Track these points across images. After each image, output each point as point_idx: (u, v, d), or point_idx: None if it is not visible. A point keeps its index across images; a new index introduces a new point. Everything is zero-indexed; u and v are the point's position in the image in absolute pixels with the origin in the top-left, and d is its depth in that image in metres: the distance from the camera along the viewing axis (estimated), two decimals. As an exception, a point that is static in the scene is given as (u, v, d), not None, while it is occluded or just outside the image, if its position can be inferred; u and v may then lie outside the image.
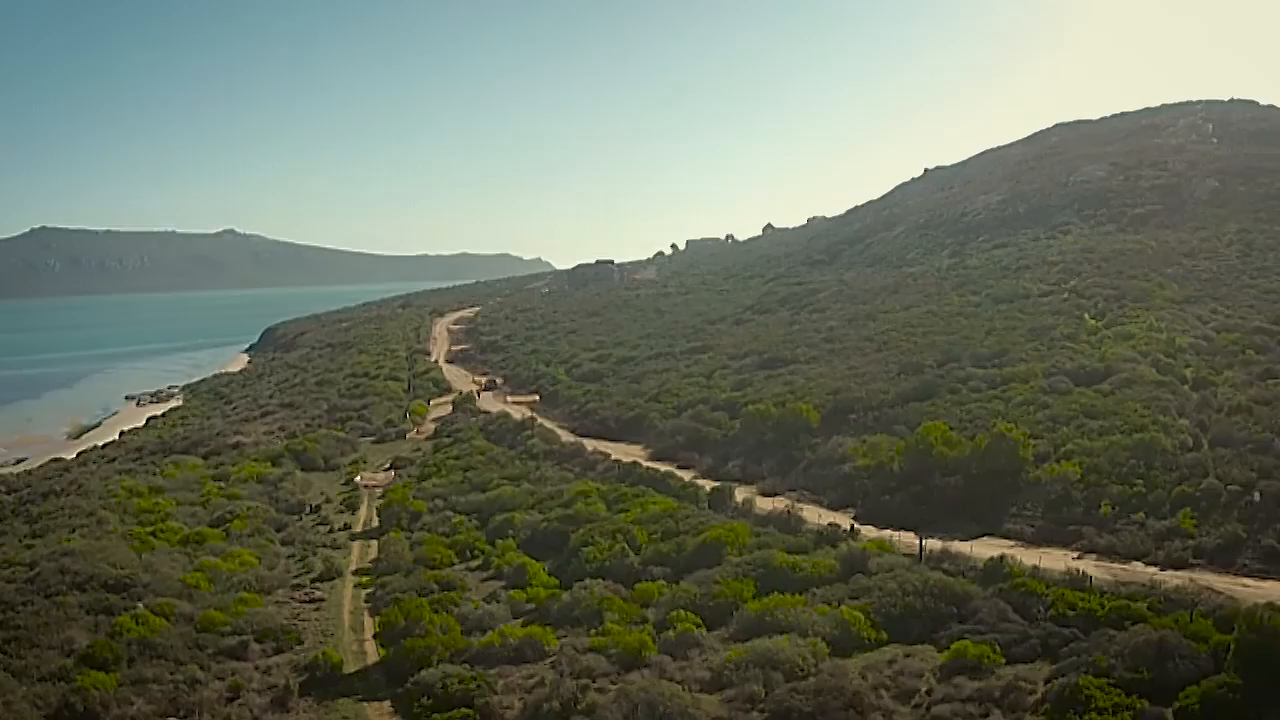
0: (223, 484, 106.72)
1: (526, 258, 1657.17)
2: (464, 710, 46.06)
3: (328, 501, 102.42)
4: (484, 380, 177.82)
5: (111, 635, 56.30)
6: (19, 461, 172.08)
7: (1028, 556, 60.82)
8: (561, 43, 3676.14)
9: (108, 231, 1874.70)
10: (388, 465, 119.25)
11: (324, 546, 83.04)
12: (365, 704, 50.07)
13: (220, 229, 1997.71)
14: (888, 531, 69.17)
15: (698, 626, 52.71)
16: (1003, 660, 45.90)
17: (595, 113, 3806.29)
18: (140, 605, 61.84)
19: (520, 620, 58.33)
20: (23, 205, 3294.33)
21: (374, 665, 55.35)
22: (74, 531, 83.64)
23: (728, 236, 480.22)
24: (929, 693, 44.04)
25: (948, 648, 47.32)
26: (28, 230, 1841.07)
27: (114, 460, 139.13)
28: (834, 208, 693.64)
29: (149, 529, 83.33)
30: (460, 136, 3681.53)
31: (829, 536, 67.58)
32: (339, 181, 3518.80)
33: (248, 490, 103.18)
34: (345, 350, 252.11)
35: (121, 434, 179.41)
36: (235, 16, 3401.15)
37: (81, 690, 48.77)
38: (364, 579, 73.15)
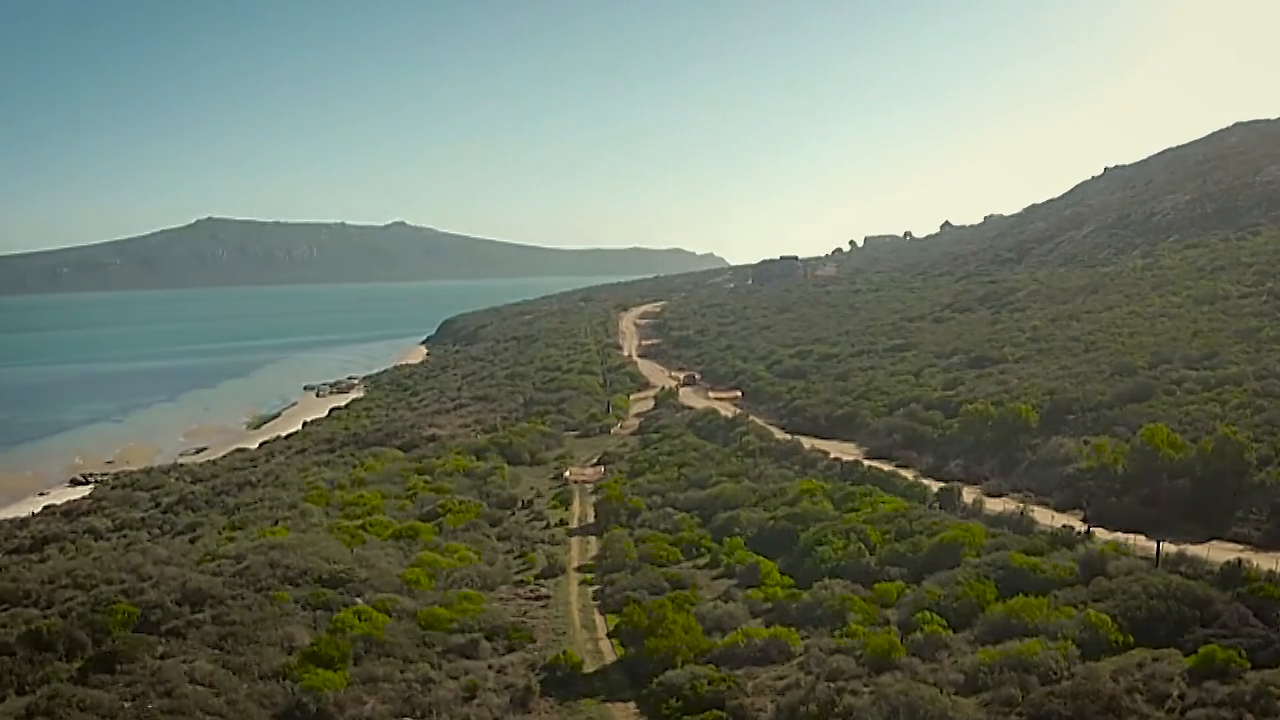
0: (428, 477, 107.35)
1: (699, 253, 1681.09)
2: (715, 712, 45.71)
3: (539, 496, 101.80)
4: (682, 376, 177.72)
5: (333, 632, 55.72)
6: (199, 451, 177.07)
7: (1259, 560, 58.20)
8: (731, 36, 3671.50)
9: (276, 223, 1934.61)
10: (596, 460, 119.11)
11: (542, 542, 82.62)
12: (609, 705, 49.82)
13: (390, 221, 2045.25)
14: (1118, 534, 67.40)
15: (943, 628, 52.11)
16: (1248, 665, 44.15)
17: (769, 109, 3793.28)
18: (359, 601, 61.43)
19: (758, 620, 57.83)
20: (190, 196, 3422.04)
21: (612, 665, 55.09)
22: (276, 524, 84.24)
23: (905, 234, 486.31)
24: (1181, 697, 43.25)
25: (1193, 651, 45.96)
26: (194, 221, 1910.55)
27: (302, 451, 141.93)
28: (1002, 207, 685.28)
29: (356, 522, 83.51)
30: (634, 130, 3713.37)
31: (1063, 538, 65.47)
32: (510, 175, 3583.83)
33: (455, 484, 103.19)
34: (532, 344, 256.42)
35: (305, 424, 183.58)
36: (405, 10, 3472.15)
37: (313, 690, 48.00)
38: (587, 576, 73.02)
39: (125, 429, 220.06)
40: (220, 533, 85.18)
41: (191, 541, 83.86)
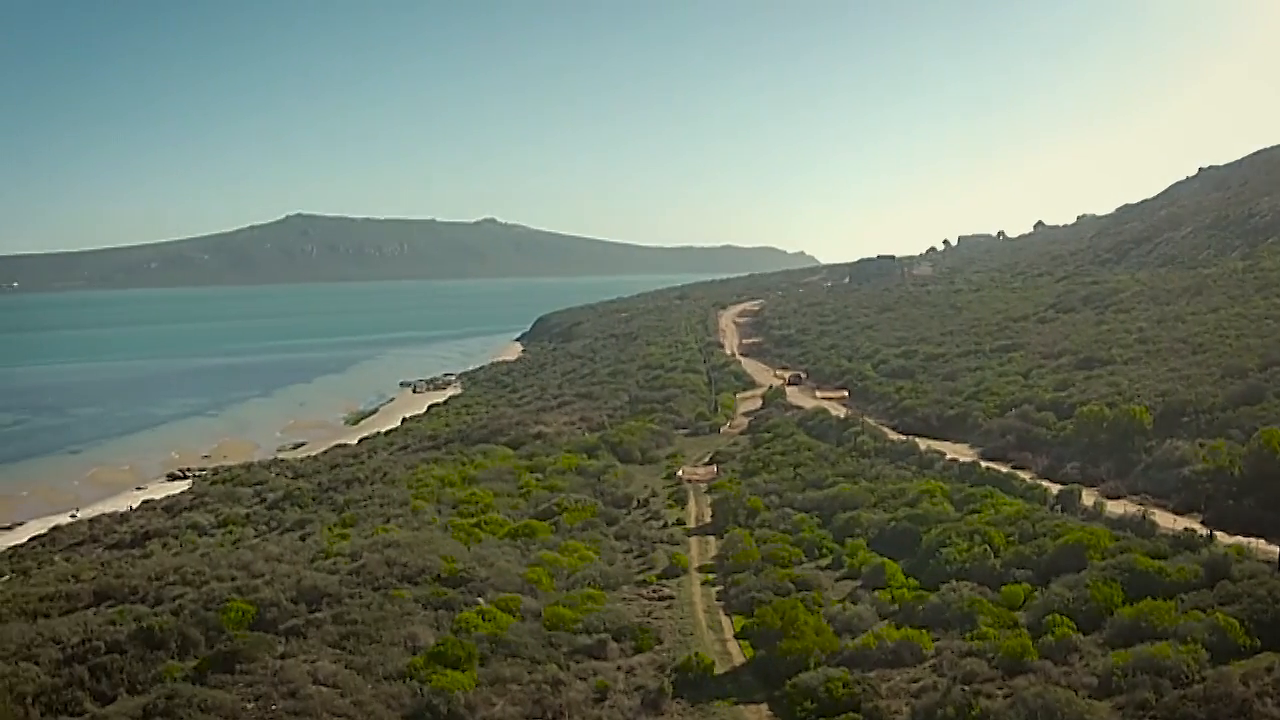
0: (540, 475, 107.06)
1: (789, 251, 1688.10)
2: (851, 715, 45.50)
3: (654, 495, 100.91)
4: (788, 375, 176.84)
5: (456, 632, 55.05)
6: (296, 446, 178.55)
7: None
8: (819, 31, 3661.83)
9: (366, 219, 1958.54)
10: (707, 459, 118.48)
11: (661, 542, 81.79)
12: (741, 707, 49.39)
13: (480, 218, 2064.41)
14: (1238, 537, 66.34)
15: (1072, 631, 51.68)
16: (1381, 672, 43.95)
17: (859, 104, 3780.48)
18: (480, 600, 60.88)
19: (885, 622, 57.49)
20: (279, 192, 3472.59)
21: (742, 667, 54.67)
22: (388, 521, 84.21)
23: (999, 233, 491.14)
24: (1312, 702, 42.87)
25: (1323, 657, 45.31)
26: (284, 217, 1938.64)
27: (405, 448, 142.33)
28: (1092, 207, 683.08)
29: (471, 521, 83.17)
30: (726, 126, 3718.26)
31: (1185, 542, 64.49)
32: (600, 171, 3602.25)
33: (568, 482, 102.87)
34: (631, 341, 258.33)
35: (404, 421, 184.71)
36: (496, 6, 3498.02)
37: (443, 691, 47.26)
38: (709, 576, 72.51)
39: (220, 423, 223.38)
40: (331, 530, 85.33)
41: (302, 539, 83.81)
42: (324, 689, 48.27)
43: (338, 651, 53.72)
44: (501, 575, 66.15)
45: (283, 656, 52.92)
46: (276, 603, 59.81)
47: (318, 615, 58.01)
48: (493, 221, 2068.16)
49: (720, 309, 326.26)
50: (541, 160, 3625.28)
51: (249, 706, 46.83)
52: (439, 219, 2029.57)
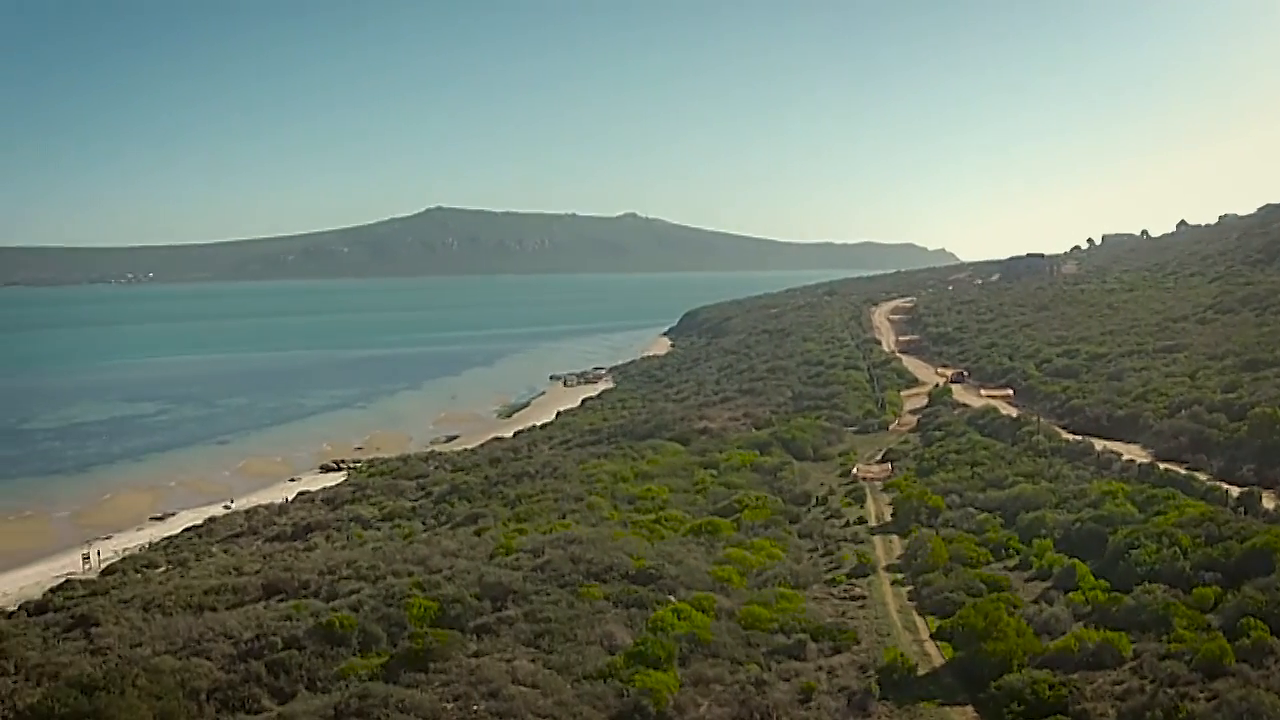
0: (714, 471, 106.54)
1: (930, 248, 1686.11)
2: (1058, 718, 45.46)
3: (831, 493, 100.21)
4: (950, 373, 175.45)
5: (653, 631, 54.43)
6: (450, 439, 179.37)
7: None
8: (953, 28, 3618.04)
9: (507, 212, 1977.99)
10: (880, 456, 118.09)
11: (846, 540, 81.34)
12: (947, 708, 49.37)
13: (621, 212, 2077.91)
14: None
15: (1267, 634, 51.16)
16: None
17: (997, 102, 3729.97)
18: (672, 599, 60.37)
19: (1080, 623, 57.37)
20: (420, 185, 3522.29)
21: (942, 668, 54.61)
22: (564, 517, 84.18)
23: (1142, 232, 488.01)
24: None
25: None
26: (424, 209, 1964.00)
27: (566, 442, 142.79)
28: (1234, 206, 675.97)
29: (649, 517, 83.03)
30: (865, 123, 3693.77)
31: None
32: (740, 167, 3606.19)
33: (743, 479, 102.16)
34: (786, 337, 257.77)
35: (558, 414, 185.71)
36: (636, 5, 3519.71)
37: (651, 692, 46.70)
38: (897, 575, 72.19)
39: (370, 415, 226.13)
40: (505, 525, 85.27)
41: (477, 534, 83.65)
42: (524, 689, 47.63)
43: (533, 650, 53.24)
44: (691, 573, 65.64)
45: (476, 655, 52.42)
46: (460, 599, 59.52)
47: (508, 613, 57.61)
48: (633, 216, 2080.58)
49: (872, 306, 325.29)
50: (682, 155, 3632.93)
51: (448, 707, 46.15)
52: (580, 213, 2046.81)
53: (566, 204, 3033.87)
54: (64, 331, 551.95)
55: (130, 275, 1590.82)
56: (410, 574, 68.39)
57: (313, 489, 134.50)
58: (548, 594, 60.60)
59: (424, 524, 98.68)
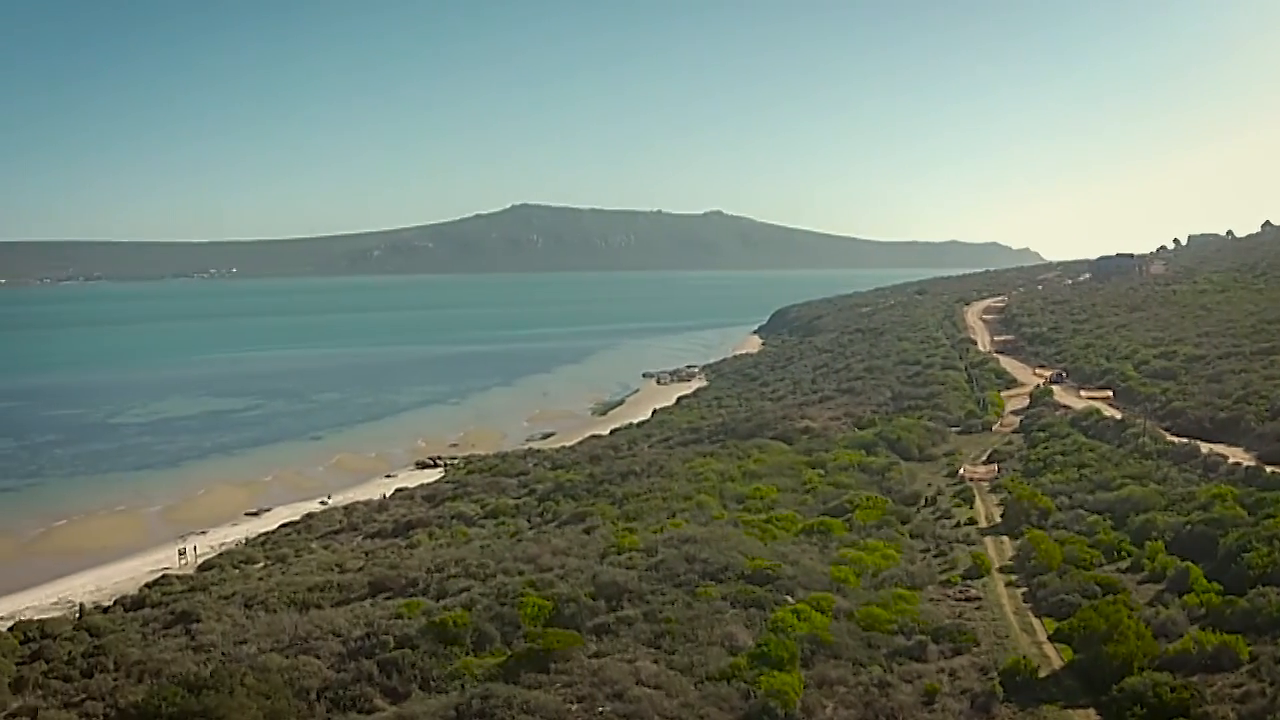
0: (821, 471, 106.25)
1: (1015, 247, 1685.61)
2: None
3: (940, 493, 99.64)
4: (1049, 373, 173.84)
5: (774, 631, 54.23)
6: (546, 436, 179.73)
7: None
8: (1043, 37, 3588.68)
9: (592, 209, 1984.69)
10: (985, 457, 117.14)
11: (958, 542, 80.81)
12: (1069, 711, 49.15)
13: (707, 210, 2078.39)
14: None
15: None
16: None
17: (1084, 108, 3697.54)
18: (790, 599, 60.10)
19: (1195, 626, 56.80)
20: (505, 182, 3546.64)
21: (1062, 670, 54.30)
22: (673, 516, 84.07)
23: (1228, 232, 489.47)
24: None
25: None
26: (509, 206, 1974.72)
27: (666, 440, 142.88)
28: None
29: (760, 517, 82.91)
30: (952, 122, 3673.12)
31: None
32: (825, 164, 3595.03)
33: (852, 479, 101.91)
34: (879, 336, 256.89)
35: (654, 412, 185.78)
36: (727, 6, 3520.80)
37: (779, 693, 46.43)
38: (1010, 577, 71.73)
39: (463, 412, 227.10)
40: (615, 524, 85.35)
41: (586, 532, 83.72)
42: (648, 690, 47.42)
43: (653, 651, 53.03)
44: (807, 573, 65.29)
45: (596, 655, 52.34)
46: (574, 598, 59.48)
47: (626, 612, 57.53)
48: (719, 214, 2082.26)
49: (964, 305, 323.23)
50: (767, 153, 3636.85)
51: (573, 709, 46.10)
52: (666, 210, 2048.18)
53: (652, 201, 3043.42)
54: (147, 326, 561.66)
55: (213, 270, 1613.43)
56: (521, 572, 68.67)
57: (410, 485, 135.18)
58: (664, 594, 60.56)
59: (529, 522, 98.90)
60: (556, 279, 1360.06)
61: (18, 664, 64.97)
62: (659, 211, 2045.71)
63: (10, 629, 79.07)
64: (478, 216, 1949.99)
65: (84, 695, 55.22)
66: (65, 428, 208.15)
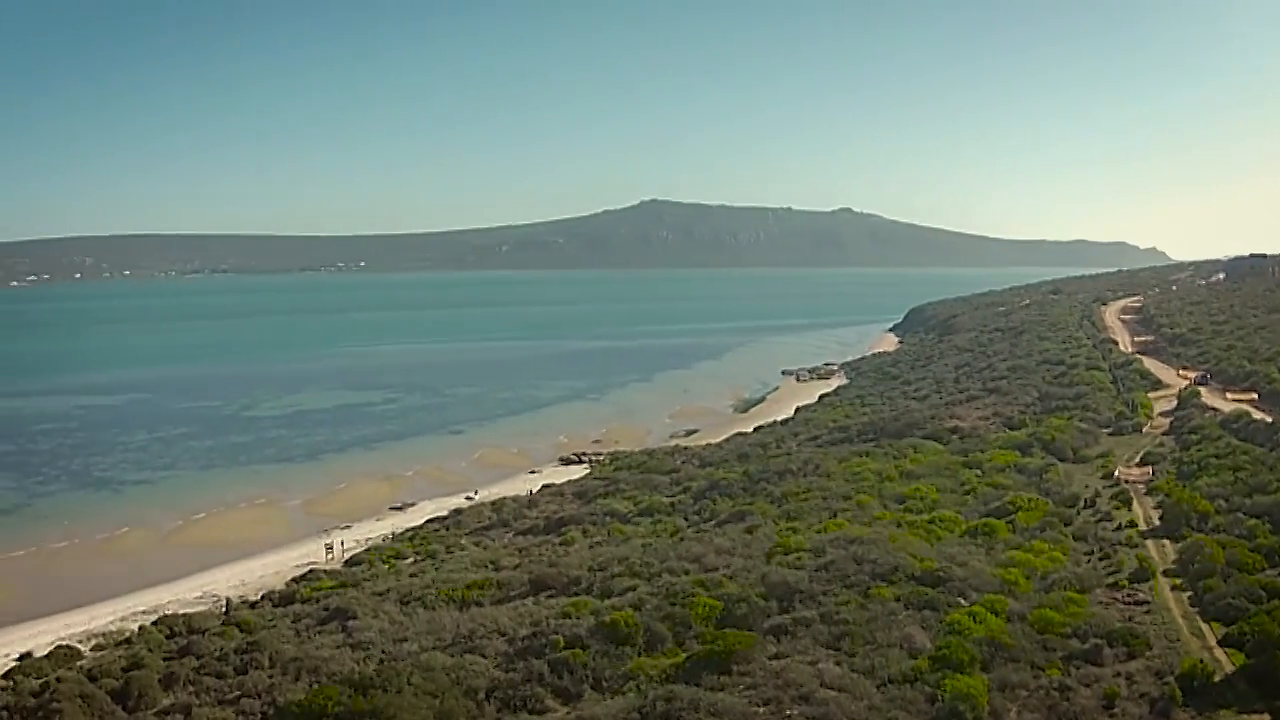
0: (979, 472, 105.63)
1: (1142, 247, 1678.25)
2: None
3: (1098, 495, 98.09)
4: (1194, 375, 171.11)
5: (951, 634, 53.92)
6: (689, 433, 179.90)
7: None
8: (1177, 36, 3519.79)
9: (721, 205, 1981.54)
10: (1138, 459, 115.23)
11: (1120, 544, 79.53)
12: (1244, 716, 48.37)
13: (836, 207, 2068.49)
14: None
15: None
16: None
17: (1209, 109, 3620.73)
18: (962, 601, 59.93)
19: None
20: (634, 178, 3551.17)
21: (1234, 674, 53.12)
22: (834, 515, 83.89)
23: None
24: None
25: None
26: (639, 202, 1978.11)
27: (815, 439, 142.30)
28: None
29: (924, 517, 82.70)
30: (1081, 121, 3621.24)
31: None
32: (951, 162, 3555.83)
33: (1010, 480, 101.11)
34: (1019, 336, 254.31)
35: (797, 410, 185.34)
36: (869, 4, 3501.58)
37: (968, 697, 46.30)
38: (1175, 580, 70.41)
39: (604, 407, 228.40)
40: (776, 523, 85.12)
41: (748, 532, 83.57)
42: (833, 693, 47.32)
43: (833, 653, 52.86)
44: (977, 575, 64.89)
45: (776, 657, 52.29)
46: (745, 598, 59.42)
47: (803, 614, 57.34)
48: (848, 210, 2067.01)
49: (1101, 305, 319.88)
50: (896, 150, 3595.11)
51: (759, 711, 46.15)
52: (795, 207, 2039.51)
53: (781, 198, 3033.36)
54: (274, 319, 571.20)
55: (340, 264, 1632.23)
56: (686, 572, 68.92)
57: (556, 481, 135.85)
58: (836, 595, 60.34)
59: (686, 520, 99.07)
60: (686, 275, 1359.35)
61: (165, 659, 66.02)
62: (788, 208, 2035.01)
63: (155, 623, 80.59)
64: (607, 212, 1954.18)
65: (239, 692, 56.36)
66: (199, 420, 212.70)
